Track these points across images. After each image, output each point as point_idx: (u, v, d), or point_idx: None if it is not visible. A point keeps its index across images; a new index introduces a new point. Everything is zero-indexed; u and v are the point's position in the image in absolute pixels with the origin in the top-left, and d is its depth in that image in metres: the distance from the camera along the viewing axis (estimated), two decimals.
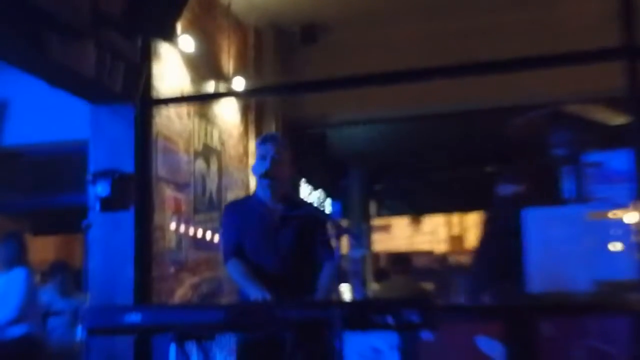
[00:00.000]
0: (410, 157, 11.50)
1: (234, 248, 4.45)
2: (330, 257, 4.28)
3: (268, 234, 4.38)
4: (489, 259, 6.19)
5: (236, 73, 8.10)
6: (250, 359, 4.32)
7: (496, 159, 11.48)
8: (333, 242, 4.09)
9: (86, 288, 5.14)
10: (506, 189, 6.12)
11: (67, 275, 8.61)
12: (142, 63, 6.35)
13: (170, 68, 6.93)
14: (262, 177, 4.39)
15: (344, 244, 9.19)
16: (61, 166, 8.00)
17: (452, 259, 16.77)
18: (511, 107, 8.63)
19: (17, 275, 6.66)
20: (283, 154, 4.43)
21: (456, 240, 18.46)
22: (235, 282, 4.45)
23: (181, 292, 6.28)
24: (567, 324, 5.36)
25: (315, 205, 4.67)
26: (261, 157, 4.41)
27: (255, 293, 4.20)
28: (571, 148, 8.15)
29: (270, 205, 4.42)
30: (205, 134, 7.52)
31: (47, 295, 7.90)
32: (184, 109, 7.13)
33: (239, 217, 4.51)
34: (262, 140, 4.51)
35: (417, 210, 15.03)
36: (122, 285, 6.11)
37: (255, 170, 4.49)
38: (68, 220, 7.91)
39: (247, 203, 4.64)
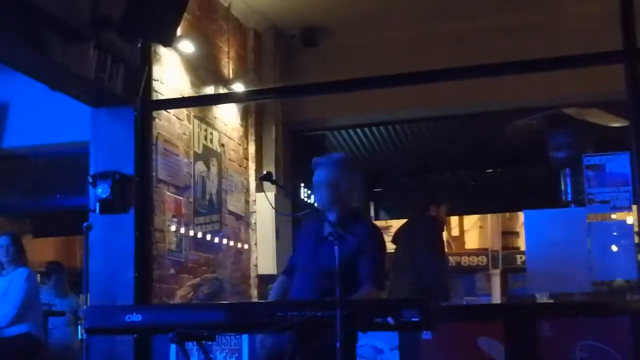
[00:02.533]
0: (410, 160, 11.51)
1: (287, 267, 4.55)
2: (372, 283, 4.14)
3: (311, 247, 4.34)
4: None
5: (236, 76, 8.11)
6: None
7: (496, 162, 11.51)
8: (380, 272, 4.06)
9: (85, 289, 5.14)
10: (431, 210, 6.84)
11: (61, 276, 8.68)
12: (142, 66, 6.36)
13: (170, 71, 6.95)
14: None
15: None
16: (61, 168, 8.02)
17: (452, 260, 16.77)
18: (511, 109, 8.64)
19: (20, 276, 6.68)
20: (332, 178, 4.31)
21: (456, 241, 18.50)
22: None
23: (181, 293, 6.29)
24: (567, 324, 5.36)
25: (370, 227, 4.47)
26: (314, 186, 4.38)
27: None
28: (571, 150, 8.16)
29: (328, 220, 4.24)
30: (205, 137, 7.54)
31: (45, 295, 7.93)
32: (183, 111, 7.14)
33: (301, 233, 4.59)
34: (314, 165, 4.39)
35: (416, 212, 15.01)
36: (123, 287, 6.11)
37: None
38: (68, 222, 7.94)
39: (314, 218, 4.55)
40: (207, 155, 7.54)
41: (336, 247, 3.78)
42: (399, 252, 7.26)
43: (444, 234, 7.64)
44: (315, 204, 4.47)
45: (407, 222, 7.74)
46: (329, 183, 4.30)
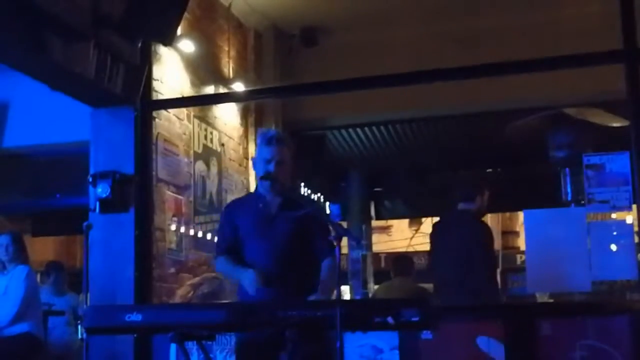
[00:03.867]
0: (410, 159, 11.51)
1: (225, 246, 4.51)
2: (330, 253, 4.29)
3: (264, 224, 4.38)
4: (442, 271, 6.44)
5: (236, 75, 8.11)
6: (249, 358, 4.33)
7: (496, 162, 11.51)
8: (332, 241, 4.09)
9: (85, 288, 5.14)
10: (468, 205, 6.36)
11: (60, 274, 8.70)
12: (142, 65, 6.36)
13: (171, 70, 6.95)
14: (264, 179, 4.40)
15: (344, 245, 9.18)
16: (62, 168, 8.03)
17: None
18: (511, 109, 8.64)
19: (19, 274, 6.68)
20: (287, 156, 4.43)
21: None
22: (226, 275, 4.49)
23: (181, 292, 6.29)
24: (566, 324, 5.37)
25: (315, 204, 4.63)
26: (264, 159, 4.39)
27: (244, 275, 4.23)
28: (571, 150, 8.16)
29: (268, 198, 4.43)
30: (205, 136, 7.54)
31: (43, 294, 7.94)
32: (183, 111, 7.14)
33: (235, 214, 4.53)
34: (268, 142, 4.42)
35: (416, 212, 15.04)
36: (123, 286, 6.12)
37: (257, 169, 4.48)
38: (68, 222, 7.94)
39: (246, 199, 4.69)
40: (207, 154, 7.54)
41: (337, 247, 3.80)
42: (441, 259, 6.49)
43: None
44: (258, 178, 4.52)
45: (443, 220, 6.94)
46: (286, 160, 4.41)
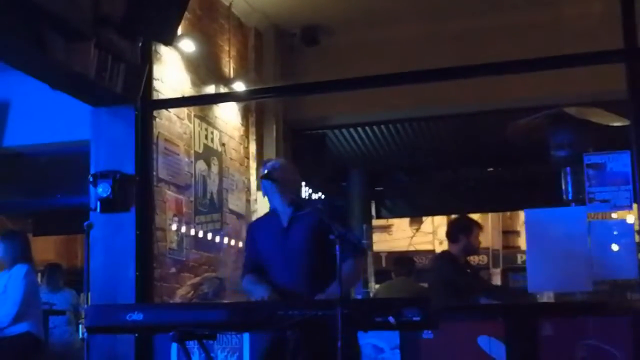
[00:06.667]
0: (411, 159, 11.51)
1: (250, 266, 4.57)
2: (352, 253, 4.24)
3: (278, 236, 4.41)
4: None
5: (237, 75, 8.11)
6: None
7: (497, 161, 11.51)
8: (352, 237, 4.11)
9: (86, 288, 5.14)
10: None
11: (55, 273, 8.72)
12: (142, 65, 6.36)
13: (171, 70, 6.95)
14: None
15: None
16: (62, 167, 8.02)
17: None
18: (512, 108, 8.63)
19: (18, 272, 6.64)
20: (284, 167, 4.53)
21: None
22: (248, 293, 4.52)
23: (182, 292, 6.30)
24: (568, 324, 5.37)
25: (321, 204, 4.68)
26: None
27: (258, 292, 4.23)
28: (572, 149, 8.15)
29: (281, 210, 4.46)
30: (206, 136, 7.54)
31: (41, 294, 7.95)
32: (184, 110, 7.14)
33: (256, 233, 4.62)
34: (263, 164, 4.68)
35: (417, 211, 15.05)
36: (124, 286, 6.12)
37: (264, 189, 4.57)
38: (69, 221, 7.94)
39: (265, 218, 4.74)
40: (207, 154, 7.54)
41: (337, 247, 3.79)
42: None
43: None
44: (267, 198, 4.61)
45: None
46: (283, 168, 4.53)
